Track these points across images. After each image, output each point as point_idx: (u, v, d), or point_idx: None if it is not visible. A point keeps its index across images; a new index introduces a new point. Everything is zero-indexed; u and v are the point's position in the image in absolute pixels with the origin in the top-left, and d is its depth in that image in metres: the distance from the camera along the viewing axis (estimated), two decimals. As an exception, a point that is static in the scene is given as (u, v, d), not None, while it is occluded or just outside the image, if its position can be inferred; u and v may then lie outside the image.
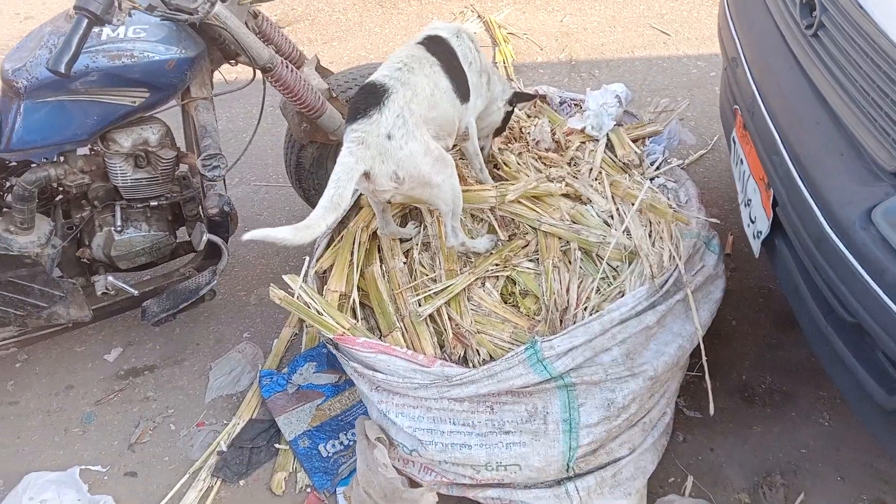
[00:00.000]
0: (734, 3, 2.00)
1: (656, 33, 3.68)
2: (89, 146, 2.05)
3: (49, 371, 2.37)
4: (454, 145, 2.07)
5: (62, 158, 2.02)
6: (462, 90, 1.94)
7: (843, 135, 1.46)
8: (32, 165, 2.01)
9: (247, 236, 1.58)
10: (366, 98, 1.75)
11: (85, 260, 2.18)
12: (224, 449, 2.08)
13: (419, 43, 1.93)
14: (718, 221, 2.12)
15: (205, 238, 2.08)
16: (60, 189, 2.13)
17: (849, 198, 1.36)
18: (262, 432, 2.11)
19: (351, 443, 2.04)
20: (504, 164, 2.27)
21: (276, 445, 2.08)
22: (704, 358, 1.88)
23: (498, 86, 2.16)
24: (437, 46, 1.92)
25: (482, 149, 2.22)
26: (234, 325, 2.48)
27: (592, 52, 3.61)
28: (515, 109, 2.30)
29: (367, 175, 1.70)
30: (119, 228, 2.11)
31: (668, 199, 2.19)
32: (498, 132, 2.26)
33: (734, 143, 1.99)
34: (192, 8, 1.84)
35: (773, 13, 1.77)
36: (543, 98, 2.59)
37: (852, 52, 1.45)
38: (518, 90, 2.27)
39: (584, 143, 2.38)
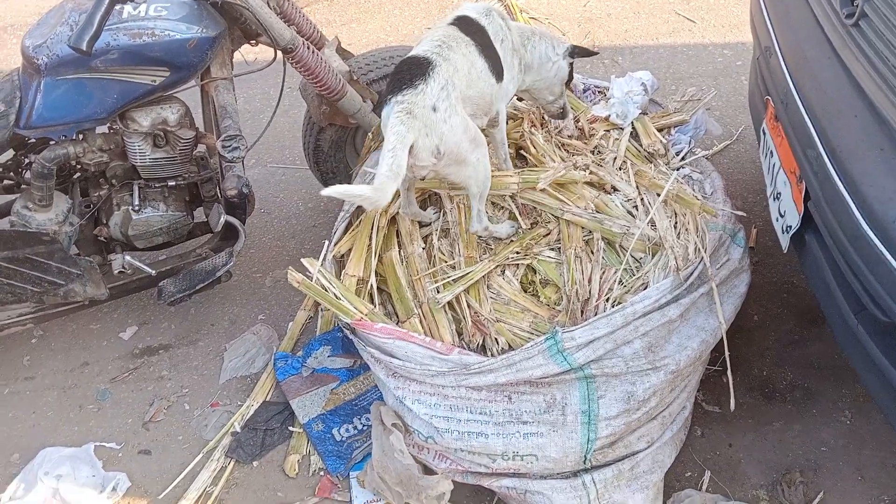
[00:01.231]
0: (769, -10, 1.94)
1: (681, 20, 3.61)
2: (108, 124, 2.03)
3: (65, 348, 2.38)
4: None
5: (81, 136, 2.01)
6: (497, 68, 1.92)
7: (882, 128, 1.41)
8: (51, 143, 1.99)
9: (325, 192, 1.56)
10: (410, 69, 1.73)
11: (102, 238, 2.18)
12: (238, 430, 2.08)
13: (451, 24, 1.90)
14: (744, 214, 2.08)
15: (222, 219, 2.07)
16: (79, 167, 2.12)
17: (889, 194, 1.32)
18: (276, 414, 2.11)
19: (365, 427, 2.04)
20: (531, 145, 2.22)
21: (290, 428, 2.08)
22: (727, 353, 1.85)
23: (541, 46, 2.08)
24: (468, 26, 1.90)
25: (562, 107, 2.19)
26: (250, 307, 2.48)
27: (616, 38, 3.54)
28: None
29: (409, 149, 1.67)
30: (137, 208, 2.10)
31: (694, 190, 2.15)
32: (567, 84, 2.20)
33: (764, 134, 1.94)
34: (215, -14, 1.81)
35: (810, 1, 1.71)
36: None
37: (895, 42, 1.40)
38: (575, 44, 2.18)
39: (608, 131, 2.33)
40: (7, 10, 4.22)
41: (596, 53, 2.24)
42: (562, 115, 2.23)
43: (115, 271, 2.14)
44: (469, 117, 1.82)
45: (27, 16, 4.08)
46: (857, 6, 1.51)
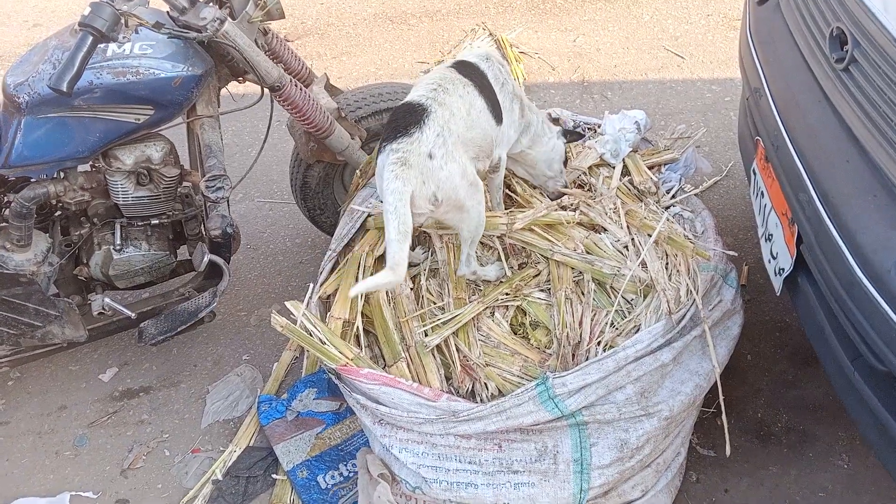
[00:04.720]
0: (757, 33, 1.94)
1: (670, 56, 3.63)
2: (90, 163, 1.99)
3: (42, 390, 2.31)
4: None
5: (62, 175, 1.97)
6: (496, 111, 1.91)
7: (875, 174, 1.40)
8: (31, 181, 1.95)
9: (354, 291, 1.73)
10: (405, 117, 1.72)
11: (82, 278, 2.13)
12: (219, 478, 2.00)
13: (449, 67, 1.89)
14: (736, 254, 2.06)
15: (206, 259, 2.02)
16: (59, 206, 2.07)
17: (883, 242, 1.30)
18: (260, 461, 2.04)
19: (351, 474, 1.97)
20: (517, 185, 2.21)
21: (274, 476, 2.01)
22: (721, 398, 1.81)
23: (535, 116, 2.12)
24: (467, 69, 1.90)
25: (562, 184, 2.22)
26: (233, 347, 2.42)
27: (605, 73, 3.56)
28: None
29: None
30: (118, 247, 2.06)
31: (685, 228, 2.13)
32: (565, 163, 2.25)
33: (754, 174, 1.93)
34: (201, 26, 1.80)
35: (800, 45, 1.71)
36: (557, 121, 2.54)
37: (886, 89, 1.39)
38: (566, 129, 2.24)
39: (598, 167, 2.32)
40: (-5, 42, 4.20)
41: (584, 136, 2.28)
42: (560, 195, 2.22)
43: (95, 313, 2.09)
44: (471, 160, 1.80)
45: (15, 47, 4.06)
46: (846, 52, 1.50)
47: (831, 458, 1.98)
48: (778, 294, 1.76)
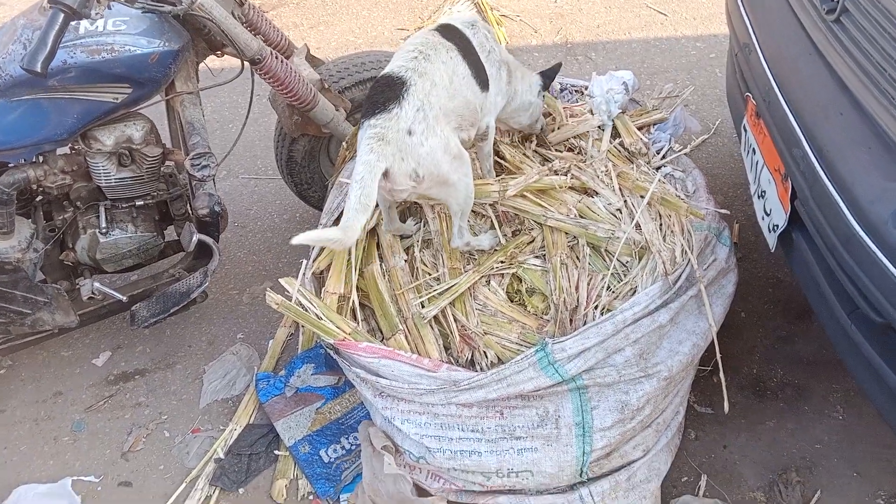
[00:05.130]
0: (745, -14, 1.91)
1: (653, 14, 3.59)
2: (70, 145, 1.94)
3: (35, 377, 2.28)
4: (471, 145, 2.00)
5: (41, 159, 1.92)
6: (481, 77, 1.86)
7: (869, 126, 1.39)
8: (10, 166, 1.89)
9: (296, 240, 1.52)
10: (383, 91, 1.66)
11: (69, 263, 2.09)
12: (221, 456, 2.00)
13: (432, 30, 1.84)
14: (728, 213, 2.06)
15: (195, 239, 1.99)
16: (40, 190, 2.02)
17: (879, 194, 1.29)
18: (261, 438, 2.04)
19: (353, 447, 1.98)
20: (507, 154, 2.18)
21: (276, 452, 2.01)
22: (719, 356, 1.82)
23: (524, 82, 2.09)
24: (451, 34, 1.83)
25: (541, 129, 2.22)
26: (227, 326, 2.40)
27: (588, 34, 3.51)
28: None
29: (385, 173, 1.61)
30: (104, 230, 2.01)
31: (676, 189, 2.12)
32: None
33: (745, 131, 1.92)
34: (176, -2, 1.73)
35: (790, -4, 1.68)
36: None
37: (879, 38, 1.38)
38: (541, 72, 2.18)
39: (587, 131, 2.29)
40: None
41: (559, 66, 2.24)
42: (542, 132, 2.22)
43: (85, 297, 2.05)
44: (454, 130, 1.76)
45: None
46: (837, 2, 1.48)
47: (826, 410, 2.01)
48: (773, 250, 1.76)
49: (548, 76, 2.17)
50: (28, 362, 2.32)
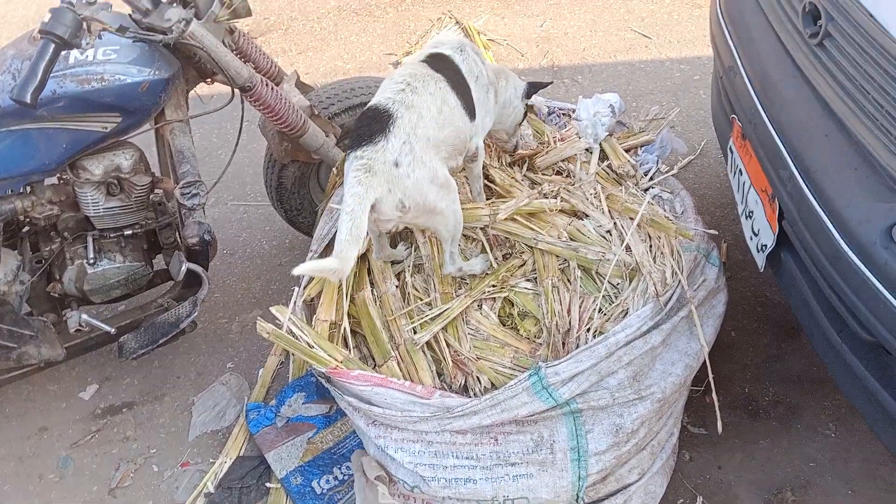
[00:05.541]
0: (728, 11, 1.95)
1: (637, 37, 3.64)
2: (58, 175, 1.93)
3: (20, 412, 2.24)
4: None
5: (29, 189, 1.90)
6: (470, 105, 1.87)
7: (854, 148, 1.41)
8: (-4, 197, 1.88)
9: (297, 271, 1.55)
10: (370, 124, 1.66)
11: (56, 295, 2.06)
12: (212, 490, 1.97)
13: (422, 61, 1.84)
14: (716, 233, 2.08)
15: (184, 268, 1.97)
16: (27, 221, 2.00)
17: (866, 215, 1.31)
18: (252, 470, 2.01)
19: (346, 477, 1.95)
20: (496, 177, 2.19)
21: (268, 484, 1.98)
22: (711, 376, 1.82)
23: (509, 89, 2.08)
24: (440, 63, 1.84)
25: (515, 145, 2.23)
26: (217, 356, 2.37)
27: (574, 57, 3.56)
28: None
29: (372, 206, 1.61)
30: (92, 261, 1.99)
31: (665, 210, 2.14)
32: (519, 124, 2.23)
33: (731, 152, 1.94)
34: (166, 27, 1.74)
35: (773, 22, 1.72)
36: (531, 108, 2.52)
37: (862, 62, 1.41)
38: (531, 81, 2.19)
39: (575, 154, 2.31)
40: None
41: (549, 83, 2.25)
42: (514, 149, 2.23)
43: (72, 329, 2.02)
44: (444, 161, 1.76)
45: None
46: (820, 26, 1.51)
47: (819, 428, 2.01)
48: (761, 270, 1.77)
49: (534, 85, 2.17)
50: (13, 397, 2.28)
